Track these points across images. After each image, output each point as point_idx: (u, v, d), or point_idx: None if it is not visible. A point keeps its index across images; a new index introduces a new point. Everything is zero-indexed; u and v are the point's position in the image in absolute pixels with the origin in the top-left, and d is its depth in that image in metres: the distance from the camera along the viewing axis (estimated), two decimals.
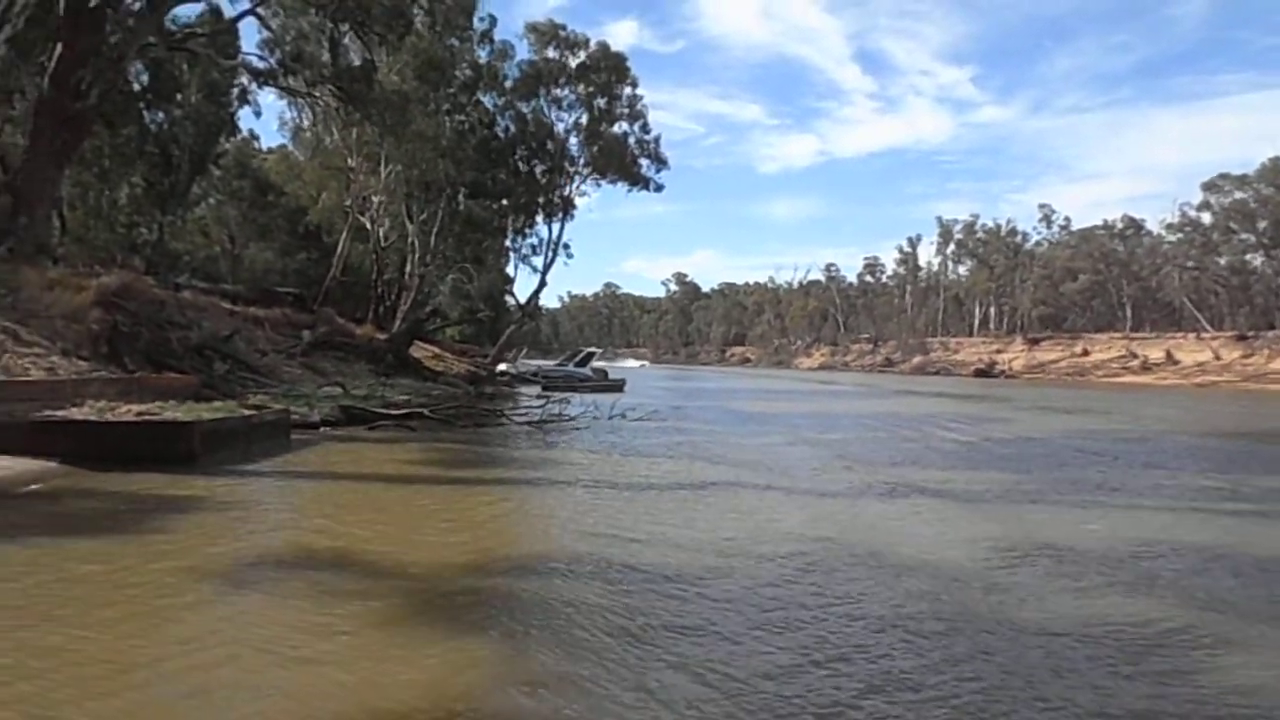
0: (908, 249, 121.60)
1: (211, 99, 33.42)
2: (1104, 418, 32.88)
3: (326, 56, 26.48)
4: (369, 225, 37.40)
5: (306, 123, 39.92)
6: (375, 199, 36.83)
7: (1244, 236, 78.90)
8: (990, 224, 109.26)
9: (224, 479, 11.26)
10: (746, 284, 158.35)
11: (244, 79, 31.70)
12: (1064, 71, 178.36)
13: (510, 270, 49.29)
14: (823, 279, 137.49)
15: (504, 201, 40.01)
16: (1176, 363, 76.00)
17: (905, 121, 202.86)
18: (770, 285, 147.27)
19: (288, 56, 25.41)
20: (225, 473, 11.64)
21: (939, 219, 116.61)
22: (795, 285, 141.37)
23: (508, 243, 45.15)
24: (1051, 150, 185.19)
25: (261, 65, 26.36)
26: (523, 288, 74.65)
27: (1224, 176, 79.31)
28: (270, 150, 46.43)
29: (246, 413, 14.56)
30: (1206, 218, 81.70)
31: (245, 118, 41.29)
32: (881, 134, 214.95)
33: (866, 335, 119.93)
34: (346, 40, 27.47)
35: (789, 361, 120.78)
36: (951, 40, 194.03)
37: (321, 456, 14.25)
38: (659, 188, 41.64)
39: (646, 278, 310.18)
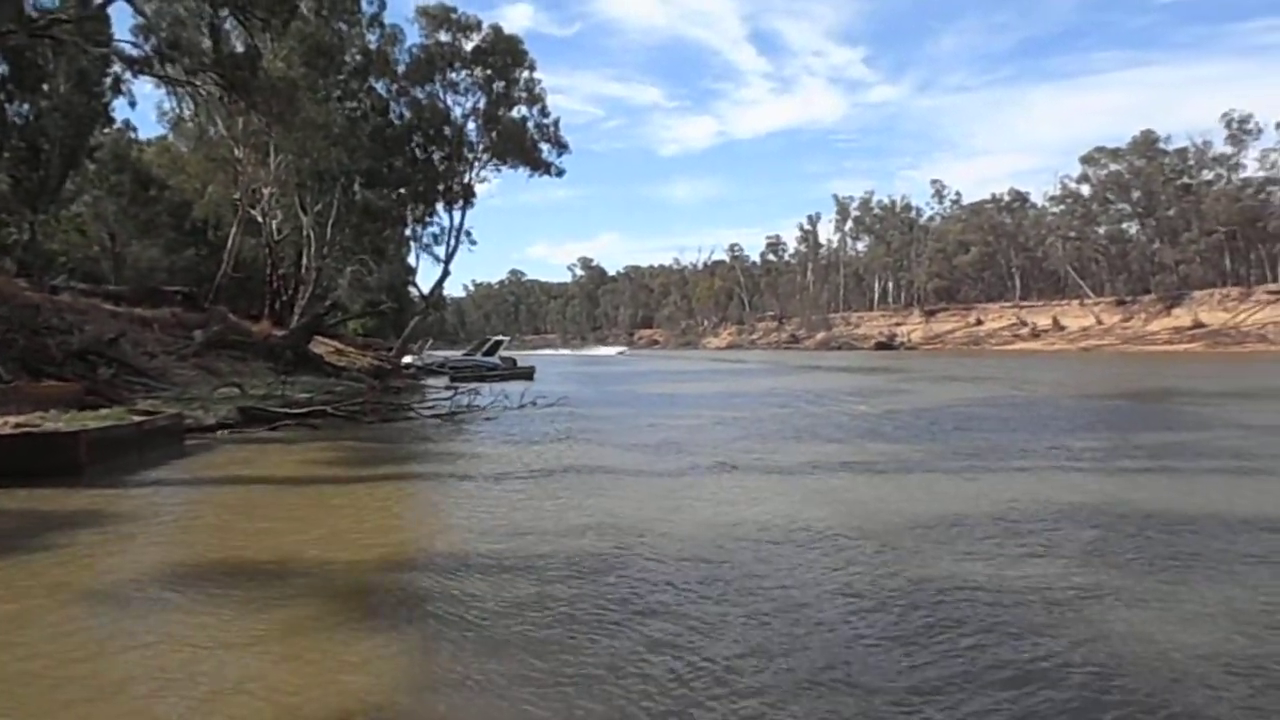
0: (808, 227, 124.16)
1: (82, 89, 31.58)
2: (997, 384, 34.22)
3: (207, 43, 25.29)
4: (260, 218, 36.03)
5: (188, 113, 38.12)
6: (266, 191, 35.48)
7: (1120, 206, 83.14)
8: (885, 201, 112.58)
9: (114, 490, 10.72)
10: (652, 266, 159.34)
11: (117, 67, 30.07)
12: (950, 51, 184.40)
13: (412, 260, 48.23)
14: (727, 259, 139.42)
15: (402, 190, 39.06)
16: (1063, 329, 79.75)
17: (801, 101, 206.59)
18: (676, 267, 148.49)
19: (164, 43, 24.15)
20: (116, 483, 11.08)
21: (836, 197, 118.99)
22: (700, 266, 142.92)
23: (408, 232, 44.13)
24: (941, 128, 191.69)
25: (136, 53, 24.98)
26: (426, 278, 73.17)
27: (1100, 150, 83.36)
28: (150, 142, 44.22)
29: (136, 419, 13.86)
30: (1086, 190, 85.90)
31: (120, 108, 39.23)
32: (778, 114, 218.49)
33: (772, 313, 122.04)
34: (228, 26, 26.31)
35: (697, 342, 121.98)
36: (842, 21, 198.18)
37: (219, 461, 13.72)
38: (560, 172, 41.30)
39: (552, 263, 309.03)
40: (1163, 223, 79.15)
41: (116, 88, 33.03)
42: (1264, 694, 5.01)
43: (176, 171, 40.06)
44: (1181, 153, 78.24)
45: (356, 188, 36.44)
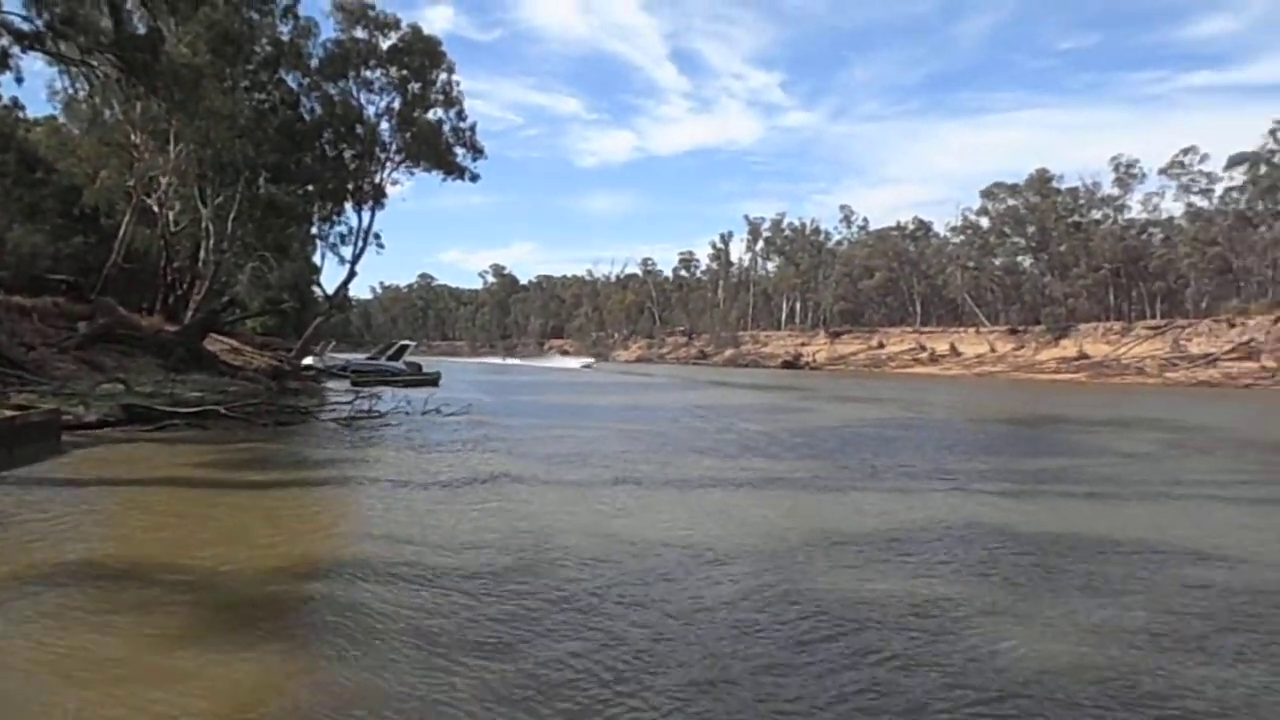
0: (720, 245, 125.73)
1: None
2: (895, 406, 35.26)
3: (106, 22, 24.14)
4: (156, 208, 34.53)
5: (82, 93, 36.34)
6: (163, 180, 34.05)
7: (1015, 240, 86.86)
8: (796, 223, 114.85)
9: None
10: (565, 277, 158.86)
11: (4, 40, 28.44)
12: (863, 81, 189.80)
13: (317, 259, 46.92)
14: (640, 273, 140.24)
15: (309, 187, 37.93)
16: (959, 354, 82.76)
17: (719, 122, 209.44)
18: (589, 278, 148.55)
19: (57, 19, 22.98)
20: None
21: (748, 217, 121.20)
22: (613, 279, 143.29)
23: (314, 230, 42.93)
24: (853, 155, 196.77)
25: (26, 27, 23.69)
26: (331, 278, 71.21)
27: (999, 185, 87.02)
28: (38, 121, 41.91)
29: (8, 414, 13.10)
30: (985, 222, 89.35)
31: (6, 84, 36.93)
32: (696, 133, 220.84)
33: (682, 328, 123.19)
34: (129, 5, 25.17)
35: (607, 354, 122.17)
36: (761, 46, 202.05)
37: (98, 460, 13.05)
38: (474, 177, 40.81)
39: (464, 269, 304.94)
40: (1054, 257, 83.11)
41: (3, 62, 31.28)
42: (1098, 697, 5.37)
43: (66, 154, 38.04)
44: (1073, 192, 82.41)
45: (261, 182, 35.26)
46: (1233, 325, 62.73)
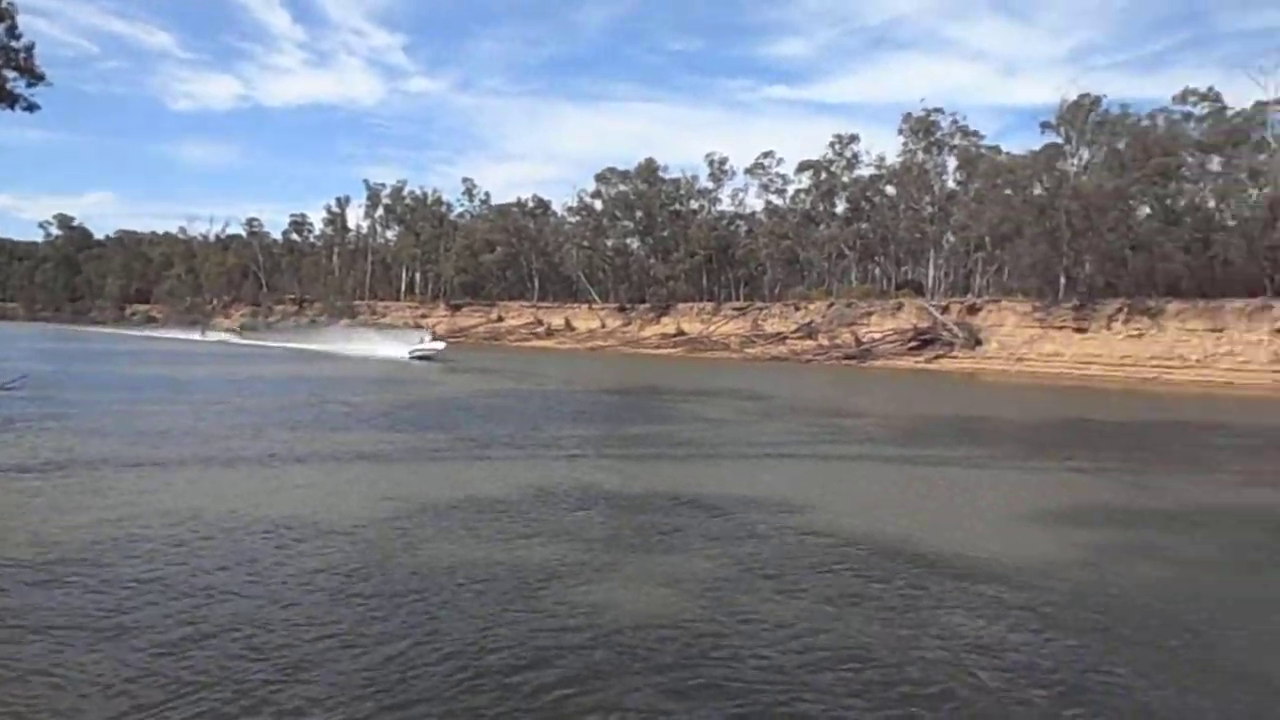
0: (336, 209, 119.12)
1: None
2: (513, 377, 35.96)
3: None
4: None
5: None
6: None
7: (625, 223, 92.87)
8: (418, 192, 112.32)
9: None
10: (153, 234, 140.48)
11: None
12: (488, 55, 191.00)
13: None
14: (244, 234, 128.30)
15: None
16: (574, 329, 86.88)
17: (337, 78, 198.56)
18: (183, 237, 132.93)
19: None
20: None
21: (367, 182, 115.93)
22: (213, 239, 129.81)
23: None
24: (477, 128, 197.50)
25: None
26: None
27: (611, 170, 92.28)
28: None
29: None
30: (599, 204, 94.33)
31: None
32: (312, 87, 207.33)
33: (292, 295, 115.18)
34: None
35: (205, 322, 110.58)
36: (384, 4, 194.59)
37: None
38: (31, 107, 34.31)
39: (20, 218, 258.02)
40: (658, 241, 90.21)
41: None
42: (668, 638, 5.81)
43: None
44: (675, 182, 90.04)
45: None
46: (798, 309, 72.69)
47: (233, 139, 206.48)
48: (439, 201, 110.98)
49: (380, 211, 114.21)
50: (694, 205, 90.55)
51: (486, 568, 7.55)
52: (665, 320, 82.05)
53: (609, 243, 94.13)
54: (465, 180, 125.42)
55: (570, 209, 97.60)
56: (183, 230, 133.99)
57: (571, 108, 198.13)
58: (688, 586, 7.59)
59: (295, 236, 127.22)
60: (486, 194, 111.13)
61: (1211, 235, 55.48)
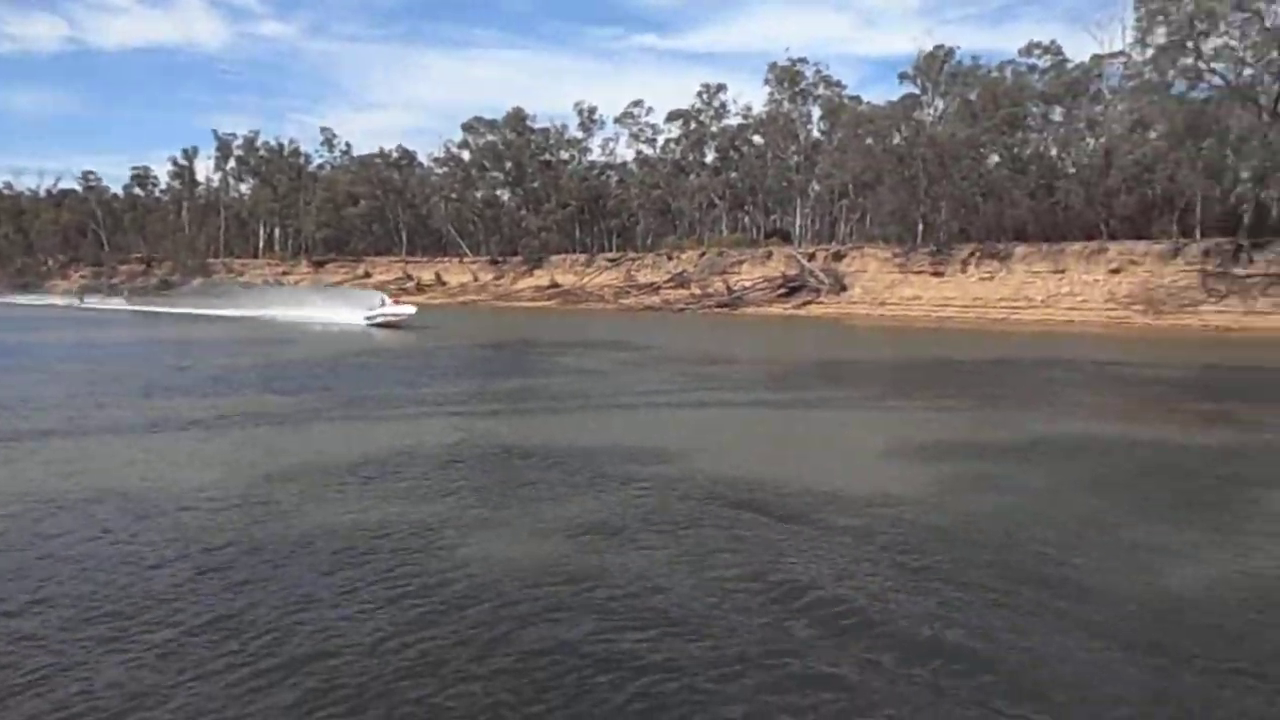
0: (184, 162, 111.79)
1: None
2: (383, 335, 34.95)
3: None
4: None
5: None
6: None
7: (495, 174, 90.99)
8: (273, 143, 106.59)
9: None
10: None
11: None
12: None
13: None
14: (79, 189, 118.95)
15: None
16: (445, 284, 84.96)
17: (178, 19, 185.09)
18: (8, 192, 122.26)
19: None
20: None
21: (216, 133, 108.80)
22: (43, 194, 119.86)
23: None
24: (334, 75, 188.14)
25: None
26: None
27: (479, 120, 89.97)
28: None
29: None
30: (466, 155, 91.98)
31: None
32: (147, 29, 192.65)
33: (138, 255, 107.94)
34: None
35: (39, 284, 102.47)
36: None
37: None
38: None
39: None
40: (529, 192, 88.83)
41: None
42: (545, 582, 5.79)
43: None
44: (545, 132, 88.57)
45: None
46: (671, 259, 73.23)
47: (62, 85, 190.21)
48: (297, 153, 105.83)
49: (232, 164, 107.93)
50: (564, 155, 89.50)
51: (354, 530, 7.32)
52: (538, 273, 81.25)
53: (478, 194, 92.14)
54: (324, 130, 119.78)
55: (437, 160, 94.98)
56: (8, 185, 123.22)
57: (435, 55, 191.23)
58: (559, 538, 7.60)
59: (138, 191, 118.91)
60: (348, 144, 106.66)
61: (1054, 182, 58.87)
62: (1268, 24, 47.05)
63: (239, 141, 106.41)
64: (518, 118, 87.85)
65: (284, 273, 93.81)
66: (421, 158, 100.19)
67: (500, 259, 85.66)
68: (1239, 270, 46.02)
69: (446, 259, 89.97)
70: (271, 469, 9.48)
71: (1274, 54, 47.16)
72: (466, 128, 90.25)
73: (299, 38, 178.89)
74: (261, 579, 6.06)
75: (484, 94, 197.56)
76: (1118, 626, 6.16)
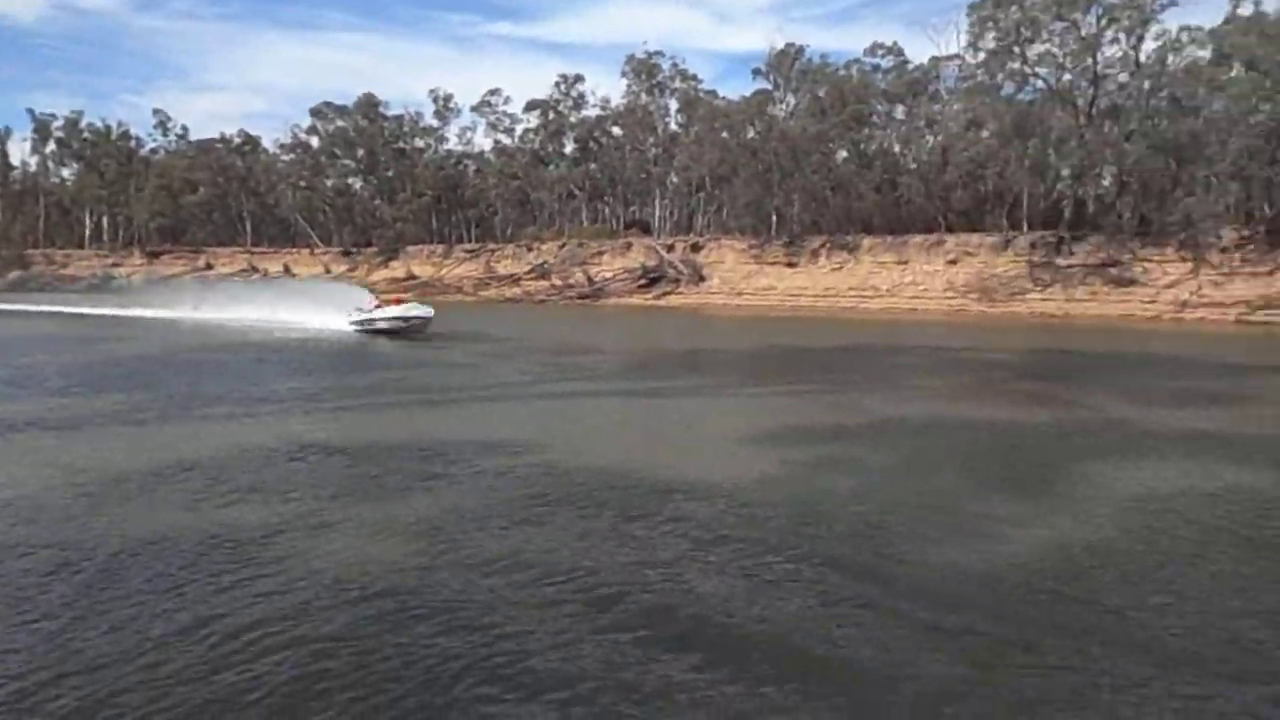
0: None
1: None
2: (230, 330, 33.10)
3: None
4: None
5: None
6: None
7: (346, 162, 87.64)
8: (99, 125, 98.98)
9: None
10: None
11: None
12: None
13: None
14: None
15: None
16: (295, 276, 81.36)
17: None
18: None
19: None
20: None
21: (33, 113, 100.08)
22: None
23: None
24: (169, 54, 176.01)
25: None
26: None
27: (328, 105, 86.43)
28: None
29: None
30: (315, 141, 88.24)
31: None
32: None
33: None
34: None
35: None
36: None
37: None
38: None
39: None
40: (383, 181, 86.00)
41: None
42: (397, 581, 5.61)
43: None
44: (399, 119, 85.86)
45: None
46: (531, 250, 72.64)
47: None
48: (126, 135, 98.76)
49: (52, 146, 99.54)
50: (419, 144, 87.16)
51: (197, 535, 6.86)
52: (394, 264, 78.99)
53: (329, 182, 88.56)
54: (157, 113, 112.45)
55: (284, 146, 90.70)
56: None
57: (278, 35, 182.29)
58: (412, 533, 7.38)
59: None
60: (184, 128, 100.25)
61: (898, 178, 61.79)
62: (1083, 34, 50.87)
63: (59, 123, 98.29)
64: (369, 104, 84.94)
65: (114, 264, 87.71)
66: (267, 143, 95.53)
67: (354, 250, 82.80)
68: (1061, 261, 49.66)
69: (296, 250, 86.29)
70: (103, 475, 8.81)
71: (1089, 61, 51.04)
72: (315, 113, 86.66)
73: (125, 12, 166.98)
74: (91, 591, 5.59)
75: (333, 78, 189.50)
76: (953, 597, 6.50)
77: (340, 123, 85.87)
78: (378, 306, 32.99)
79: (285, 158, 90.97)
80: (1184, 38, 49.27)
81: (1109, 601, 6.45)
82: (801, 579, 6.84)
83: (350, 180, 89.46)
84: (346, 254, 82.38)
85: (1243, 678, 5.23)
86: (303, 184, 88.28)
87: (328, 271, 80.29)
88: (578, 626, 5.73)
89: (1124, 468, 10.96)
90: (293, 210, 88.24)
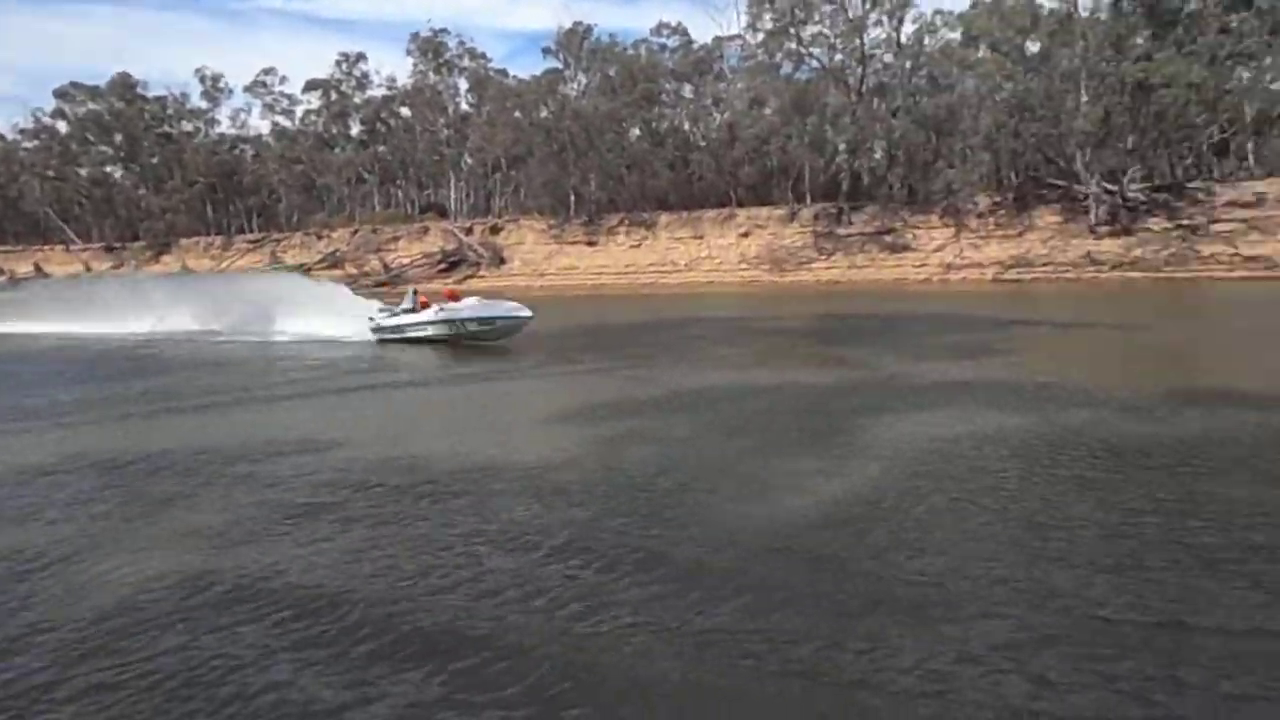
0: None
1: None
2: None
3: None
4: None
5: None
6: None
7: (102, 148, 79.75)
8: None
9: None
10: None
11: None
12: None
13: None
14: None
15: None
16: (49, 275, 73.51)
17: None
18: None
19: None
20: None
21: None
22: None
23: None
24: None
25: None
26: None
27: (76, 85, 78.23)
28: None
29: None
30: (63, 126, 79.80)
31: None
32: None
33: None
34: None
35: None
36: None
37: None
38: None
39: None
40: (147, 169, 78.93)
41: None
42: (176, 605, 5.18)
43: None
44: (161, 101, 79.02)
45: None
46: (320, 238, 69.21)
47: None
48: None
49: None
50: (187, 127, 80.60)
51: None
52: (167, 259, 73.04)
53: (83, 172, 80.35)
54: None
55: (25, 131, 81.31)
56: None
57: (10, 4, 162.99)
58: (201, 541, 6.82)
59: None
60: None
61: (689, 155, 63.41)
62: (850, 16, 54.08)
63: None
64: (125, 84, 77.63)
65: None
66: (4, 129, 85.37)
67: (118, 245, 75.80)
68: (841, 231, 52.79)
69: (49, 247, 77.97)
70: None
71: (857, 42, 54.33)
72: (60, 94, 78.27)
73: None
74: None
75: (80, 56, 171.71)
76: (725, 564, 6.68)
77: (92, 105, 78.08)
78: (424, 305, 23.66)
79: (28, 145, 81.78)
80: (938, 20, 53.56)
81: (873, 543, 6.89)
82: (580, 552, 6.80)
83: (109, 169, 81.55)
84: (110, 249, 75.37)
85: (991, 614, 5.61)
86: (51, 173, 79.65)
87: (88, 270, 73.06)
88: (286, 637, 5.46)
89: (901, 419, 11.73)
90: (41, 203, 79.48)
